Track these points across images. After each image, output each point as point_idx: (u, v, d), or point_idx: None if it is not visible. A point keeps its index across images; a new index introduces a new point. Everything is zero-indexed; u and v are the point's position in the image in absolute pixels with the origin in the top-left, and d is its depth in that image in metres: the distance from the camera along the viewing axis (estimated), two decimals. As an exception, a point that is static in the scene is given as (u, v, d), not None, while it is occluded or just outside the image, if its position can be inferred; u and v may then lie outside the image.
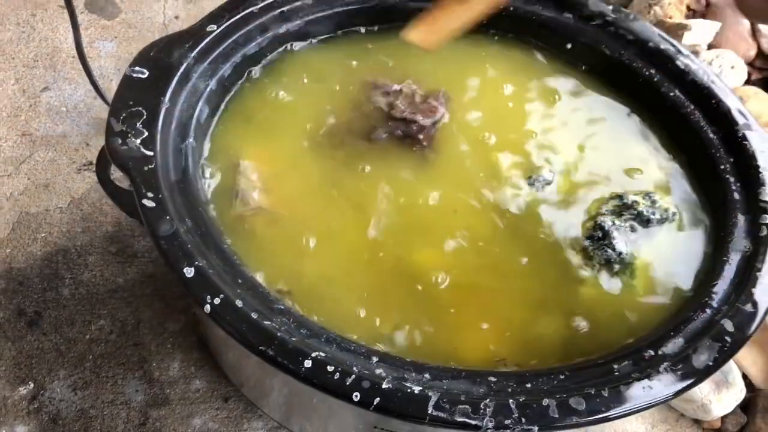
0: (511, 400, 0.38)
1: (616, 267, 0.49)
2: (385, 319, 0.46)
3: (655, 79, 0.58)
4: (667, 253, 0.51)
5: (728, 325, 0.43)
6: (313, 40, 0.60)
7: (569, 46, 0.61)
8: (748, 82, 0.90)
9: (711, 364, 0.41)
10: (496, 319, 0.47)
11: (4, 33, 0.88)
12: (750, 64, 0.92)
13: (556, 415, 0.38)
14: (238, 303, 0.41)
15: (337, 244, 0.49)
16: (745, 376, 0.66)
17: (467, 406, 0.38)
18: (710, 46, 0.91)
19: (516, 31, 0.62)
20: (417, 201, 0.52)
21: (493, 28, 0.63)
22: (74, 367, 0.64)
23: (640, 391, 0.40)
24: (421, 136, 0.54)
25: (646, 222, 0.51)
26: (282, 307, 0.42)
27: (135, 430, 0.61)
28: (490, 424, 0.37)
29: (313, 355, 0.39)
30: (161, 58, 0.51)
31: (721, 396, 0.63)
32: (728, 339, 0.42)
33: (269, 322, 0.40)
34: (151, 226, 0.43)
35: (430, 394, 0.38)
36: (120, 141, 0.46)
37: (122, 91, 0.49)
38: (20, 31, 0.89)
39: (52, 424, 0.61)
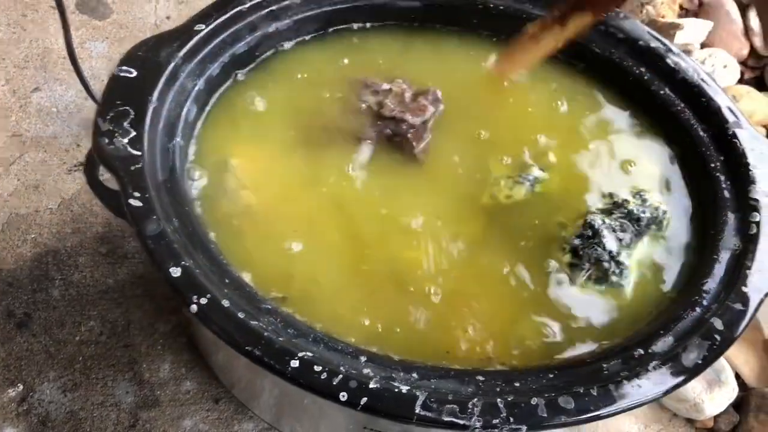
0: (499, 399, 0.38)
1: (606, 265, 0.49)
2: (374, 319, 0.46)
3: (646, 78, 0.58)
4: (657, 252, 0.51)
5: (718, 324, 0.43)
6: (303, 38, 0.60)
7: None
8: (740, 80, 0.90)
9: (700, 362, 0.41)
10: (484, 320, 0.46)
11: (-5, 33, 0.88)
12: (743, 63, 0.92)
13: (545, 414, 0.38)
14: (225, 303, 0.41)
15: (325, 243, 0.49)
16: (737, 375, 0.66)
17: (455, 406, 0.38)
18: (703, 45, 0.91)
19: (508, 31, 0.62)
20: (406, 200, 0.52)
21: (488, 29, 0.62)
22: (64, 369, 0.63)
23: (629, 390, 0.39)
24: (410, 135, 0.54)
25: (636, 220, 0.51)
26: (269, 307, 0.42)
27: (125, 431, 0.61)
28: (478, 424, 0.37)
29: (300, 354, 0.39)
30: (149, 58, 0.51)
31: (713, 395, 0.63)
32: (718, 337, 0.42)
33: (256, 322, 0.40)
34: (138, 226, 0.43)
35: (417, 393, 0.38)
36: (107, 140, 0.46)
37: (110, 91, 0.49)
38: (11, 31, 0.89)
39: (41, 426, 0.60)
